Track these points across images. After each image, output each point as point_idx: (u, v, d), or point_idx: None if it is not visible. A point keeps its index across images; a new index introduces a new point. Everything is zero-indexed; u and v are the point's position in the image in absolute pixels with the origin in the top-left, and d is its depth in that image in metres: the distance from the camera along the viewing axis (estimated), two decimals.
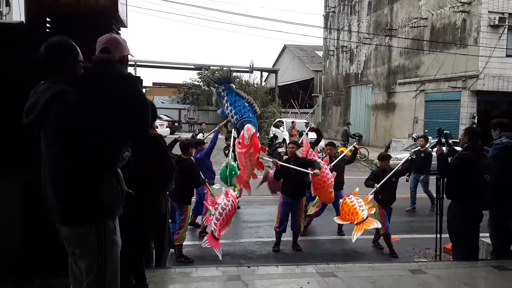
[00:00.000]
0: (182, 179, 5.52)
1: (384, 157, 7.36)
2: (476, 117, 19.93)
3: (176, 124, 30.29)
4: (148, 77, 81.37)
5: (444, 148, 5.71)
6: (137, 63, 34.10)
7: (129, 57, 2.83)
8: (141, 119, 2.50)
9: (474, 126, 19.75)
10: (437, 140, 6.05)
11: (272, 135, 21.32)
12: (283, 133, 21.10)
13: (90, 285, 2.44)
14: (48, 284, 3.84)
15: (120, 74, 2.50)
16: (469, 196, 5.08)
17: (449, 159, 5.55)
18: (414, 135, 21.18)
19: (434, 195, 6.81)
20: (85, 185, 2.37)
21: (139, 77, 2.62)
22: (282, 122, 22.65)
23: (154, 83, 43.26)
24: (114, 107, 2.37)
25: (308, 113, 29.71)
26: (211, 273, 4.32)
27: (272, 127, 24.03)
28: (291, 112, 30.28)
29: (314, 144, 8.28)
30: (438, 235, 5.82)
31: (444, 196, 5.60)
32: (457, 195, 5.22)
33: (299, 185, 6.73)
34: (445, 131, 6.07)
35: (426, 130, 21.73)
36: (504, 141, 5.18)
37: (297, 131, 17.96)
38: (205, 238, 4.86)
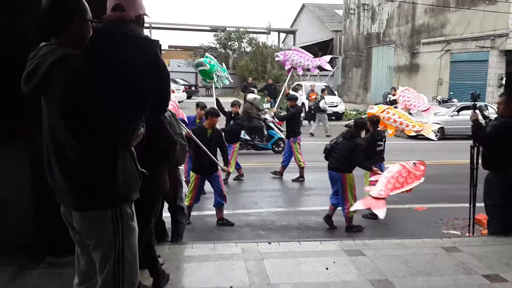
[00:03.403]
0: None
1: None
2: (504, 79, 19.05)
3: (193, 88, 29.83)
4: (163, 39, 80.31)
5: (478, 114, 5.27)
6: (152, 25, 33.51)
7: (145, 18, 2.45)
8: (160, 90, 2.17)
9: (502, 87, 18.92)
10: (471, 105, 5.57)
11: None
12: (301, 97, 20.54)
13: (107, 279, 2.15)
14: (59, 262, 3.66)
15: (136, 37, 2.12)
16: (509, 166, 4.70)
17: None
18: (438, 98, 20.43)
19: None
20: (98, 164, 2.06)
21: (158, 40, 2.22)
22: (301, 86, 22.02)
23: (170, 46, 42.55)
24: (129, 75, 2.03)
25: (327, 75, 28.92)
26: (230, 251, 4.08)
27: (290, 90, 23.42)
28: (310, 75, 29.55)
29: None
30: (472, 208, 5.43)
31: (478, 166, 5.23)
32: (495, 164, 4.85)
33: None
34: (478, 104, 5.58)
35: (451, 93, 20.93)
36: None
37: (317, 96, 17.44)
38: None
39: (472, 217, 5.51)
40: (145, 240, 3.26)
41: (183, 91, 25.71)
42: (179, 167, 4.61)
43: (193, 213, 6.71)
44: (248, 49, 34.72)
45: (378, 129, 6.99)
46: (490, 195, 4.89)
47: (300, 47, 35.69)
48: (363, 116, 7.82)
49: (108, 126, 2.04)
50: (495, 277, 3.60)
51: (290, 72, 10.23)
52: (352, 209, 5.83)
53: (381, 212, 4.87)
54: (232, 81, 10.21)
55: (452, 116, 16.10)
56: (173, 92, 20.32)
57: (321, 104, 16.21)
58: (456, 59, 21.63)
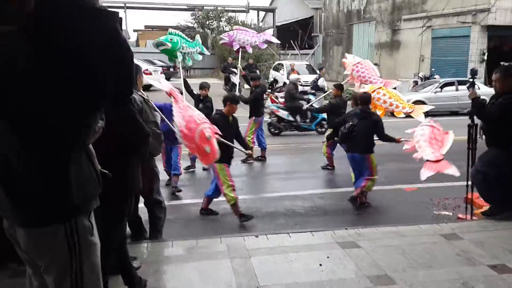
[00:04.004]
0: None
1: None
2: (486, 54, 18.95)
3: (171, 69, 28.99)
4: (139, 20, 78.41)
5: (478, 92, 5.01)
6: (126, 5, 32.38)
7: None
8: (122, 75, 1.72)
9: (484, 63, 18.84)
10: (469, 82, 5.27)
11: (272, 79, 20.37)
12: (283, 77, 20.14)
13: None
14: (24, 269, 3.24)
15: (89, 7, 1.64)
16: None
17: None
18: (420, 74, 20.26)
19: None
20: (45, 169, 1.65)
21: (117, 13, 1.76)
22: (282, 65, 21.55)
23: (146, 26, 41.30)
24: (83, 57, 1.59)
25: (308, 54, 28.50)
26: (214, 248, 3.73)
27: (271, 70, 22.96)
28: (291, 54, 29.10)
29: None
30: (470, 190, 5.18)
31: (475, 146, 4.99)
32: (499, 141, 4.69)
33: None
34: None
35: (433, 69, 20.77)
36: None
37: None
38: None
39: (467, 201, 5.29)
40: (116, 245, 2.87)
41: (161, 73, 24.87)
42: (154, 157, 4.22)
43: (173, 203, 6.36)
44: (227, 28, 33.87)
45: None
46: (491, 167, 4.71)
47: (281, 25, 35.12)
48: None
49: (58, 123, 1.63)
50: (502, 268, 3.34)
51: (240, 53, 9.80)
52: (422, 177, 5.21)
53: (453, 171, 4.72)
54: (208, 53, 9.62)
55: (435, 92, 15.93)
56: (150, 74, 19.49)
57: (320, 82, 16.28)
58: (437, 35, 21.42)
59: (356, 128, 6.08)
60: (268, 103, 11.38)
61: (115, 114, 2.27)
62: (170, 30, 8.16)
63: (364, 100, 6.31)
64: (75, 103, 1.63)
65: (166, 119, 4.95)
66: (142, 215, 4.29)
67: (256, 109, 8.86)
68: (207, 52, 9.04)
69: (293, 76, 12.75)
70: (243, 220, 5.55)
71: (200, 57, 8.63)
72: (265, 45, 10.41)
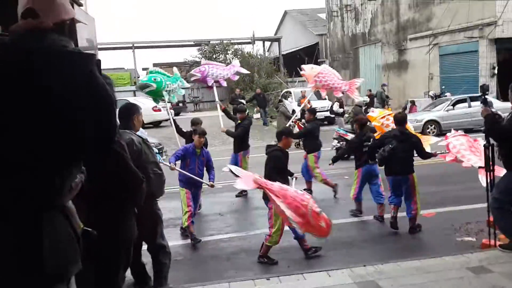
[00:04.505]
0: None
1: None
2: (496, 68, 18.64)
3: (180, 104, 29.23)
4: (147, 58, 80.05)
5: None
6: (135, 45, 33.03)
7: (82, 24, 1.83)
8: (101, 115, 1.56)
9: (495, 77, 18.51)
10: (481, 99, 5.01)
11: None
12: (291, 104, 20.02)
13: None
14: None
15: (58, 51, 1.52)
16: None
17: None
18: (431, 93, 19.97)
19: None
20: (12, 236, 1.46)
21: (94, 54, 1.60)
22: (290, 93, 21.49)
23: (154, 64, 42.04)
24: (53, 104, 1.44)
25: None
26: None
27: (281, 98, 22.89)
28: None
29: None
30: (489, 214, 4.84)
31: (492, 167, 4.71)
32: None
33: None
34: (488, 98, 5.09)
35: (443, 87, 20.49)
36: None
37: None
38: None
39: (490, 224, 4.94)
40: None
41: (170, 108, 25.01)
42: (156, 199, 4.01)
43: (184, 242, 6.13)
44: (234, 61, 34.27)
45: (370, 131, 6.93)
46: (509, 195, 4.40)
47: (287, 54, 35.40)
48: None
49: (29, 179, 1.44)
50: None
51: (214, 88, 9.22)
52: (484, 183, 5.16)
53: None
54: (188, 85, 9.37)
55: (447, 110, 15.62)
56: (159, 110, 19.35)
57: (334, 107, 16.40)
58: (445, 52, 21.23)
59: (396, 151, 5.94)
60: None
61: (102, 161, 2.08)
62: (151, 68, 7.85)
63: (400, 121, 6.21)
64: (47, 157, 1.44)
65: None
66: (146, 258, 4.05)
67: (245, 142, 8.60)
68: (187, 85, 8.79)
69: (358, 99, 12.41)
70: (312, 253, 5.34)
71: (183, 92, 8.41)
72: (237, 77, 10.13)
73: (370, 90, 20.12)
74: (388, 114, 7.43)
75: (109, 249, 2.55)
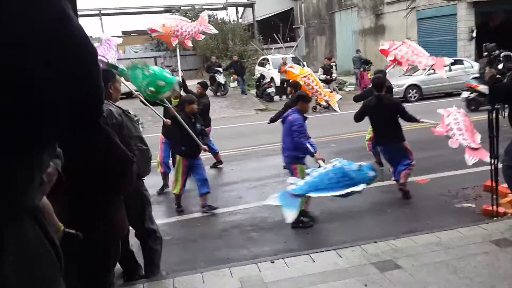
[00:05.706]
0: None
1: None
2: (475, 31, 18.49)
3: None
4: (116, 26, 76.96)
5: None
6: (101, 11, 31.43)
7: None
8: (79, 77, 1.02)
9: (473, 40, 18.38)
10: (487, 60, 4.65)
11: (258, 75, 19.66)
12: (269, 72, 19.46)
13: None
14: None
15: None
16: None
17: None
18: None
19: None
20: None
21: None
22: (268, 60, 20.85)
23: (124, 32, 40.28)
24: (5, 52, 0.90)
25: (292, 47, 27.90)
26: (223, 280, 3.06)
27: (257, 66, 22.25)
28: (274, 48, 28.49)
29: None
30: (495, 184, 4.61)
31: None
32: None
33: None
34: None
35: None
36: None
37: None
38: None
39: (496, 194, 4.71)
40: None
41: None
42: (143, 179, 3.53)
43: (170, 220, 5.73)
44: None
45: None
46: None
47: (261, 20, 34.35)
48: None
49: None
50: None
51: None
52: (469, 163, 5.08)
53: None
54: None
55: (428, 75, 15.42)
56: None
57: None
58: (422, 16, 20.93)
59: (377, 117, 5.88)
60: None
61: (85, 142, 1.59)
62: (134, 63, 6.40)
63: (377, 85, 6.01)
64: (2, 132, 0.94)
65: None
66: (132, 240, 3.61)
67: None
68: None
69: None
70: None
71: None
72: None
73: (330, 59, 17.26)
74: (309, 74, 7.49)
75: (98, 247, 2.09)
